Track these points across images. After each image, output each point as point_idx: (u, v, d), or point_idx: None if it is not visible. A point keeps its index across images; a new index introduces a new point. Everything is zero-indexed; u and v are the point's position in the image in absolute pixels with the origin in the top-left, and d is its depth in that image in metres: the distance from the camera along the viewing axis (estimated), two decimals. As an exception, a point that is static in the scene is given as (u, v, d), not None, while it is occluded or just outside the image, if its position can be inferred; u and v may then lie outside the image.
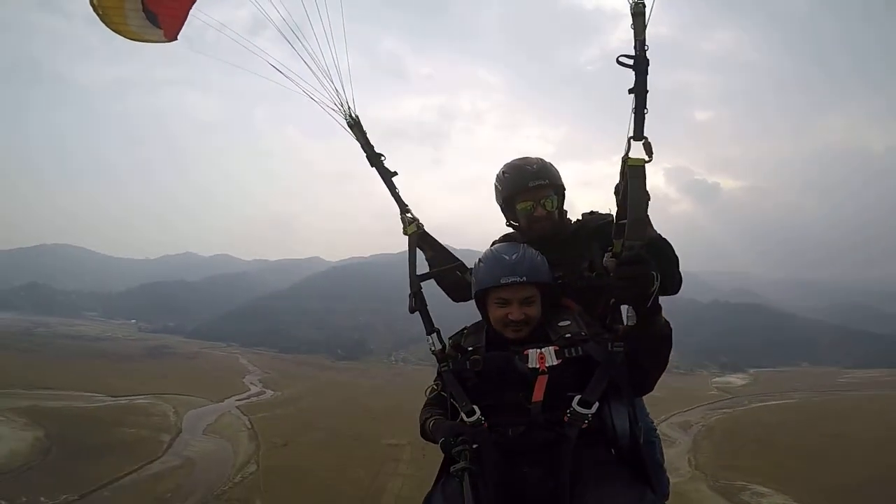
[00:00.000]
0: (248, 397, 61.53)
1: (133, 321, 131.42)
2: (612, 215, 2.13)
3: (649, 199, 1.87)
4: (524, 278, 1.95)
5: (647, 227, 1.80)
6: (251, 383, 69.55)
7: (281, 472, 35.97)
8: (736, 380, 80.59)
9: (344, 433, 44.89)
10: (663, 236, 2.10)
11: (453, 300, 2.58)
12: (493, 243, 2.47)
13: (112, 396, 50.48)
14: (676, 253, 2.13)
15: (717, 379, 78.92)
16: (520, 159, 2.42)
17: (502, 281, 1.95)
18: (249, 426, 47.29)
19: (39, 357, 62.00)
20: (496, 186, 2.46)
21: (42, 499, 25.85)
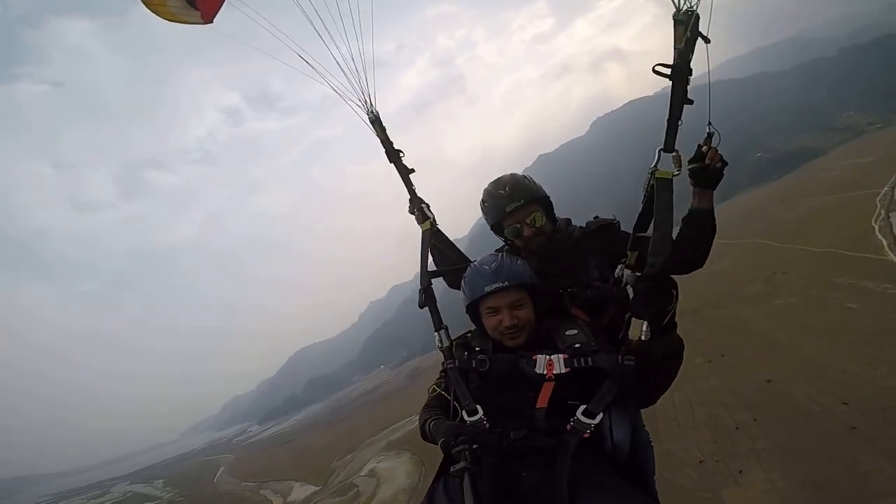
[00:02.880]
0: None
1: (382, 367, 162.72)
2: (617, 220, 2.29)
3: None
4: (507, 283, 1.98)
5: (671, 244, 1.73)
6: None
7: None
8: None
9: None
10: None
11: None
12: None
13: (425, 413, 66.81)
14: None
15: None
16: (492, 183, 2.37)
17: (486, 289, 1.99)
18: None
19: (359, 415, 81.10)
20: (484, 216, 2.44)
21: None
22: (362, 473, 49.54)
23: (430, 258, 2.60)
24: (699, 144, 1.93)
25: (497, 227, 2.44)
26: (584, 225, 2.39)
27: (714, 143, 1.90)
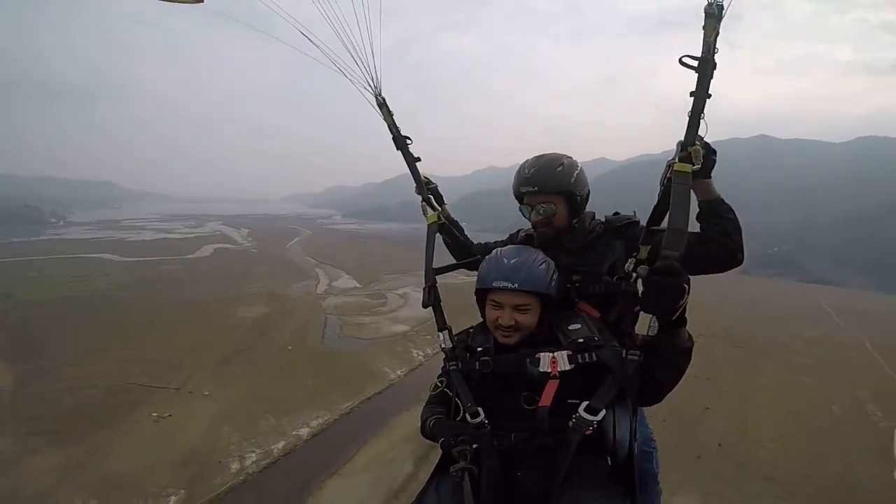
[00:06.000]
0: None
1: (464, 224, 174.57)
2: (637, 218, 2.24)
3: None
4: (516, 285, 1.91)
5: (685, 238, 1.63)
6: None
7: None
8: None
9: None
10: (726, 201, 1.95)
11: None
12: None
13: (473, 274, 72.04)
14: (739, 220, 1.96)
15: None
16: (530, 159, 2.28)
17: (494, 285, 1.94)
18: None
19: (423, 251, 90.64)
20: None
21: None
22: (397, 292, 55.72)
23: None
24: (679, 141, 1.82)
25: (517, 199, 2.37)
26: (604, 220, 2.33)
27: (700, 131, 1.80)
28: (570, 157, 2.24)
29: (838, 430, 25.64)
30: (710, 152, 1.80)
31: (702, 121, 1.75)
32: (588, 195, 2.27)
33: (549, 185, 2.21)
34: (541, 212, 2.24)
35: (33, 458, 20.26)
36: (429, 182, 2.61)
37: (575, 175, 2.20)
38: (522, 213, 2.34)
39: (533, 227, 2.34)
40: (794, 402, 28.57)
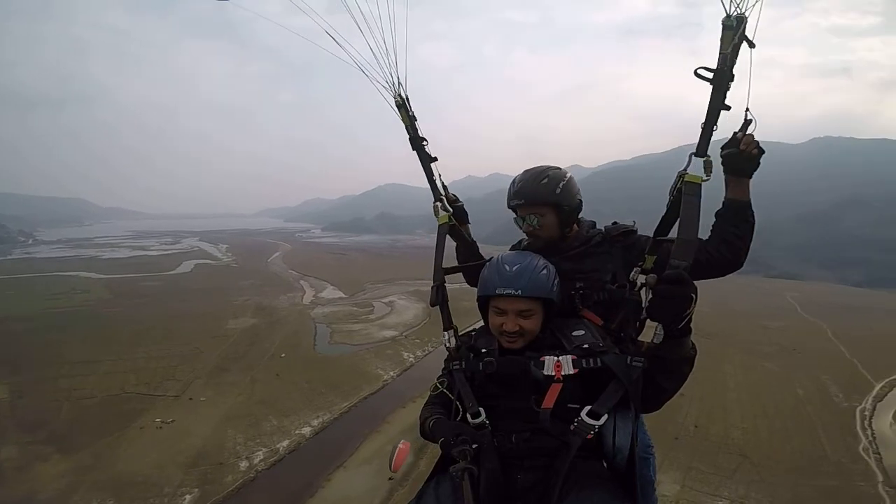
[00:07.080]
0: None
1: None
2: (635, 227, 2.25)
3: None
4: (519, 292, 1.90)
5: (694, 250, 1.66)
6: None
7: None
8: None
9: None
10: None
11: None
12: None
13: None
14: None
15: None
16: (520, 173, 2.33)
17: (497, 292, 1.93)
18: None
19: (406, 260, 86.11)
20: None
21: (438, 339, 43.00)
22: (383, 300, 56.84)
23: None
24: (735, 132, 1.83)
25: (512, 210, 2.41)
26: (603, 229, 2.34)
27: (750, 129, 1.81)
28: (559, 169, 2.26)
29: (803, 410, 28.02)
30: (758, 152, 1.81)
31: (752, 118, 1.76)
32: (579, 204, 2.28)
33: (534, 196, 2.23)
34: (530, 222, 2.26)
35: (43, 464, 20.68)
36: (456, 199, 2.63)
37: (560, 186, 2.20)
38: (517, 225, 2.36)
39: (528, 235, 2.36)
40: (760, 387, 31.23)
